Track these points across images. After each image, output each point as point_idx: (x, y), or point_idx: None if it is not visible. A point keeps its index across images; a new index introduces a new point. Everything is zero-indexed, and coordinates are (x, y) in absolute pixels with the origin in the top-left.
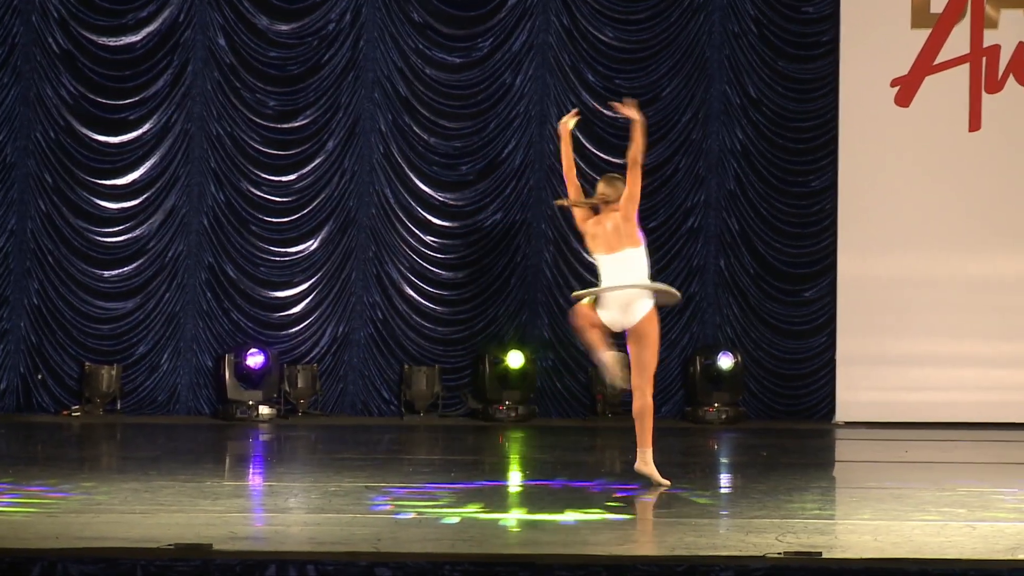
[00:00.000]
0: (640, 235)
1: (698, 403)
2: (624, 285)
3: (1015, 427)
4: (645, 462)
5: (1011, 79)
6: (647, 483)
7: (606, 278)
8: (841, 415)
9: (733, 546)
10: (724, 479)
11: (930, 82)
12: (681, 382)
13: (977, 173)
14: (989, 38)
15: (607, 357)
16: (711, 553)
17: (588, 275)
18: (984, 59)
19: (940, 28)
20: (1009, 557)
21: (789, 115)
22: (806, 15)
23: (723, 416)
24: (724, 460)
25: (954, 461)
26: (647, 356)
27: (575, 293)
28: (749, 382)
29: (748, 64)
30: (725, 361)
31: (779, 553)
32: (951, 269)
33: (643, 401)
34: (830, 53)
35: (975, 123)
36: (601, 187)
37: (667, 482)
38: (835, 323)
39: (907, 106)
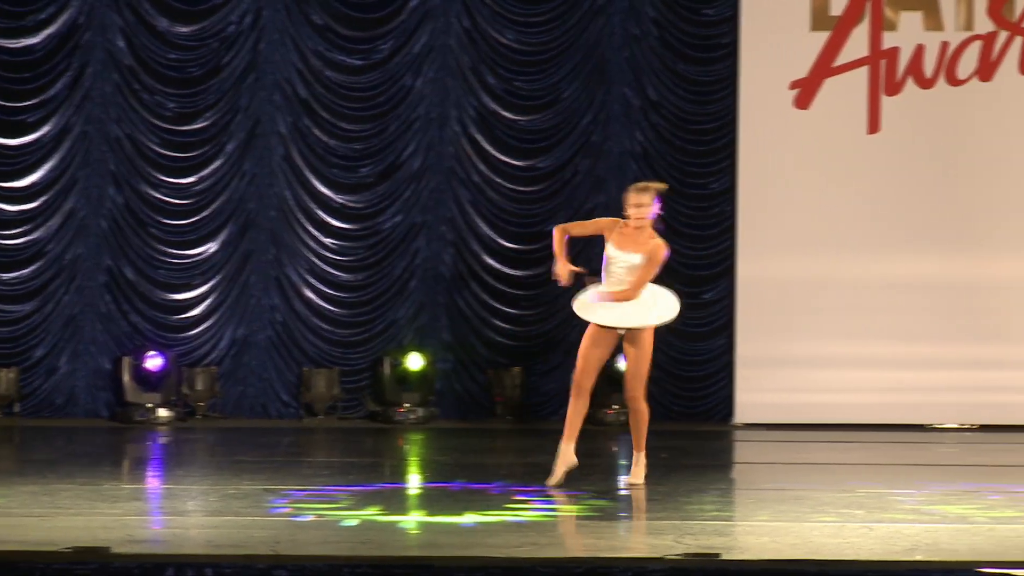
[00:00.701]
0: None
1: (597, 405)
2: None
3: (913, 428)
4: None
5: (910, 81)
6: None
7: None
8: (740, 417)
9: (632, 548)
10: (623, 481)
11: (829, 84)
12: None
13: (876, 175)
14: (888, 40)
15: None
16: (610, 555)
17: (487, 277)
18: (883, 61)
19: (839, 30)
20: (907, 558)
21: (689, 117)
22: (706, 18)
23: (622, 418)
24: (623, 462)
25: (853, 462)
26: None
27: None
28: (648, 384)
29: (648, 66)
30: (620, 363)
31: (678, 555)
32: (850, 271)
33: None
34: (730, 55)
35: (874, 125)
36: (633, 197)
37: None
38: (734, 325)
39: (806, 108)
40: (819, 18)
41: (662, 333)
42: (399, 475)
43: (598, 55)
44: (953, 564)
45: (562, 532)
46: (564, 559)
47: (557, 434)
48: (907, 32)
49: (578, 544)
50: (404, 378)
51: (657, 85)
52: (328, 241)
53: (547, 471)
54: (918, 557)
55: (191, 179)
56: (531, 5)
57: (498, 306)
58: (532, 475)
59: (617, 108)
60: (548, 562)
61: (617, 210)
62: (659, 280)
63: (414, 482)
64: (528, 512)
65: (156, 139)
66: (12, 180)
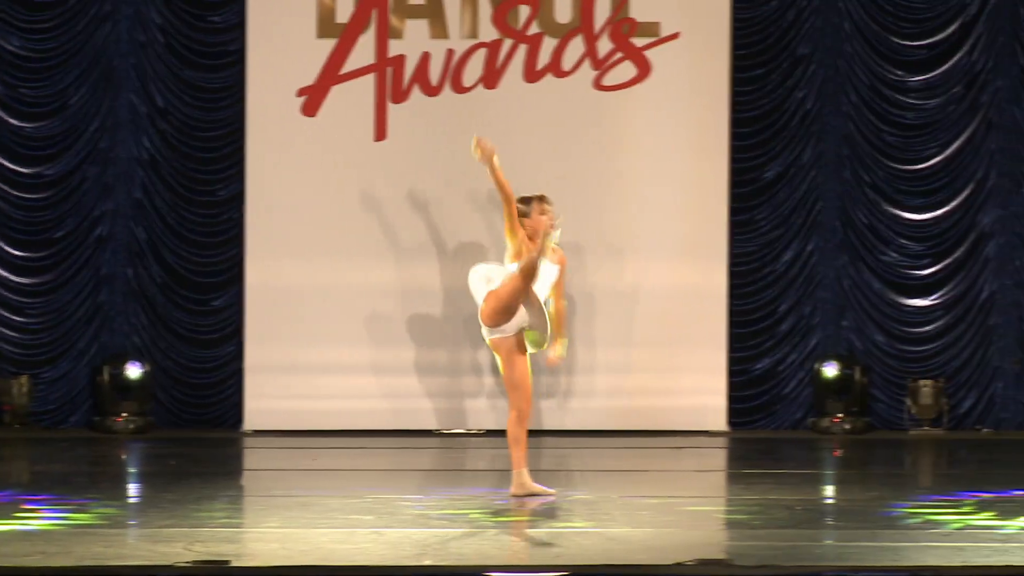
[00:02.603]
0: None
1: (107, 413)
2: None
3: (420, 434)
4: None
5: (416, 89)
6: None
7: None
8: (249, 423)
9: (142, 556)
10: (133, 489)
11: (337, 92)
12: (89, 392)
13: (383, 182)
14: (394, 48)
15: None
16: (119, 563)
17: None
18: (389, 69)
19: (346, 38)
20: (415, 563)
21: (196, 124)
22: (213, 25)
23: (132, 426)
24: (132, 470)
25: (361, 468)
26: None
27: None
28: (158, 391)
29: (155, 73)
30: (133, 370)
31: (187, 562)
32: (357, 277)
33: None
34: (238, 62)
35: (381, 132)
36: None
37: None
38: (243, 332)
39: (314, 115)
40: (325, 25)
41: (172, 340)
42: None
43: (105, 61)
44: (461, 568)
45: (70, 540)
46: (73, 568)
47: (64, 442)
48: (413, 40)
49: (87, 552)
50: None
51: (165, 92)
52: None
53: (56, 478)
54: (427, 562)
55: None
56: (36, 11)
57: (4, 314)
58: (40, 483)
59: (124, 115)
60: (56, 571)
61: (124, 217)
62: (168, 285)
63: None
64: (37, 521)
65: None
66: None
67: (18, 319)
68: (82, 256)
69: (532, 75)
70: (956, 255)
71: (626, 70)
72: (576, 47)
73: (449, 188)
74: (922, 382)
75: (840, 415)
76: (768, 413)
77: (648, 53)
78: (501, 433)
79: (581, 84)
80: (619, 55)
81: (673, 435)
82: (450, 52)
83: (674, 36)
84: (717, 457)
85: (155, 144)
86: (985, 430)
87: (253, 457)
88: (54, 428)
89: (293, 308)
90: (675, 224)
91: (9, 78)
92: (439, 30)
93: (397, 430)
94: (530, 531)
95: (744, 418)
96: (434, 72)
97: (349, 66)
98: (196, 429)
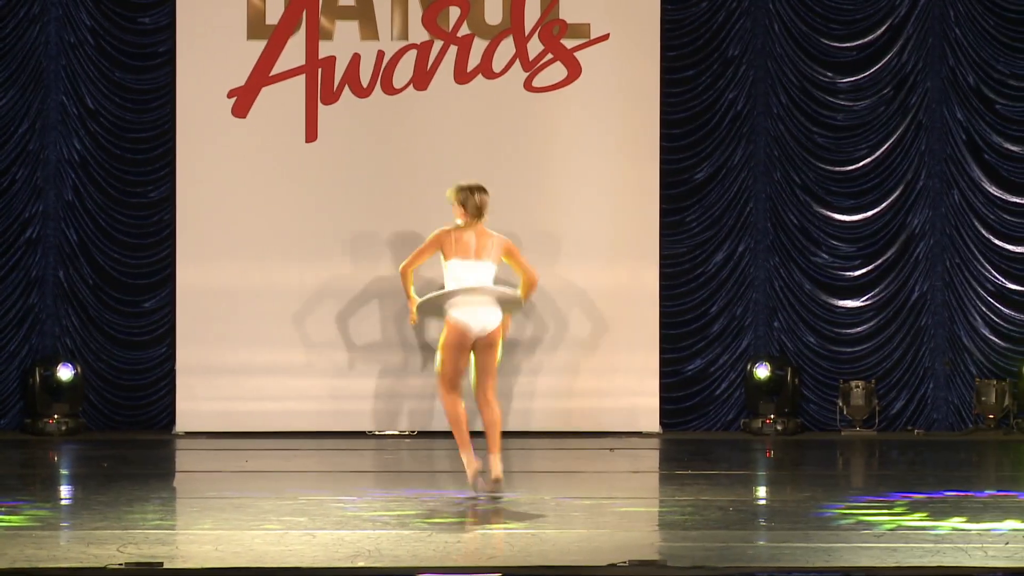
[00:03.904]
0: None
1: (38, 415)
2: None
3: (351, 435)
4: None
5: (347, 90)
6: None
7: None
8: (181, 425)
9: (74, 558)
10: (65, 491)
11: (267, 93)
12: (20, 394)
13: (314, 183)
14: (325, 49)
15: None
16: (51, 565)
17: None
18: (320, 70)
19: (276, 39)
20: (349, 564)
21: (127, 126)
22: (143, 26)
23: (63, 428)
24: (64, 472)
25: (295, 470)
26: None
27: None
28: (89, 393)
29: (85, 74)
30: (65, 372)
31: (120, 564)
32: (289, 278)
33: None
34: (167, 64)
35: (312, 134)
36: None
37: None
38: (175, 333)
39: (244, 117)
40: (255, 27)
41: (103, 342)
42: None
43: (34, 63)
44: (395, 570)
45: (1, 543)
46: (4, 570)
47: None
48: (343, 41)
49: (20, 555)
50: None
51: (95, 93)
52: None
53: None
54: (360, 563)
55: None
56: None
57: None
58: None
59: (54, 116)
60: None
61: (55, 219)
62: (99, 287)
63: None
64: None
65: None
66: None
67: None
68: (12, 258)
69: (462, 76)
70: (887, 256)
71: (556, 71)
72: (506, 48)
73: (380, 189)
74: (854, 383)
75: (772, 416)
76: (700, 414)
77: (578, 55)
78: (433, 435)
79: (511, 85)
80: (549, 56)
81: (606, 436)
82: (380, 53)
83: (604, 38)
84: (650, 458)
85: (85, 145)
86: (917, 431)
87: (185, 459)
88: None
89: (225, 309)
90: (606, 226)
91: None
92: (369, 31)
93: (330, 431)
94: (464, 533)
95: (676, 419)
96: (364, 73)
97: (279, 67)
98: (128, 431)
